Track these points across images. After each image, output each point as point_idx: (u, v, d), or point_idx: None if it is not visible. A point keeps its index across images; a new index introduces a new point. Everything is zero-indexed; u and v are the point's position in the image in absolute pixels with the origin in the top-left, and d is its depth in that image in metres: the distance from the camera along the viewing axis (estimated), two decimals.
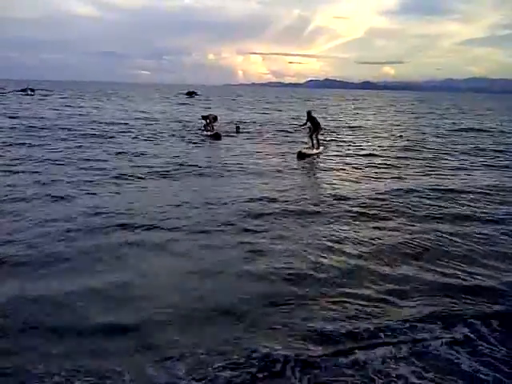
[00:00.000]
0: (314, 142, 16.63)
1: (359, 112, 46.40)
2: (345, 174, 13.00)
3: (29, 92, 59.37)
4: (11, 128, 20.63)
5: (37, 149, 15.33)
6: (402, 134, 24.69)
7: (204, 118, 21.85)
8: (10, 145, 15.92)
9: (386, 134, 24.29)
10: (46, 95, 57.19)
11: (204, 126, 21.83)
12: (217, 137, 20.19)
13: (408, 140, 21.59)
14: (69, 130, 20.94)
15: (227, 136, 20.94)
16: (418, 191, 10.46)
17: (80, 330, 4.40)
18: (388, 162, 14.98)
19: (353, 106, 59.44)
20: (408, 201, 9.60)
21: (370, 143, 20.52)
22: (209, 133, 20.90)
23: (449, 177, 12.68)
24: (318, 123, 16.65)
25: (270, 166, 13.83)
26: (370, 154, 16.82)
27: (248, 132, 23.12)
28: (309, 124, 16.78)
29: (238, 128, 23.16)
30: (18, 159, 13.31)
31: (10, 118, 25.77)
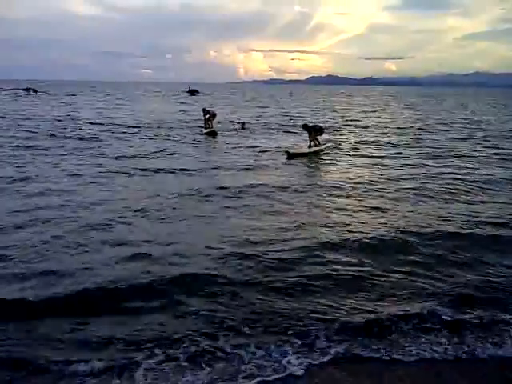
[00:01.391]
0: (312, 143, 15.87)
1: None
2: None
3: (31, 92, 59.20)
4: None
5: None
6: None
7: (205, 111, 21.60)
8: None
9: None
10: (58, 96, 56.96)
11: (204, 121, 21.57)
12: (213, 134, 20.42)
13: None
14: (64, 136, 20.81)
15: (229, 134, 20.91)
16: None
17: None
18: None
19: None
20: None
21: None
22: (206, 130, 20.88)
23: None
24: (319, 129, 16.02)
25: (252, 163, 13.69)
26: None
27: (250, 130, 22.73)
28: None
29: (243, 125, 22.97)
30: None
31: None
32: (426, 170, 12.88)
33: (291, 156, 14.71)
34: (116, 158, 14.03)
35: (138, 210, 8.31)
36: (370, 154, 15.95)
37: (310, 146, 15.73)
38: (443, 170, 12.94)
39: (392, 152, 16.42)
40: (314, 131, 15.79)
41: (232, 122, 25.33)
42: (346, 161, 14.73)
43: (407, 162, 14.38)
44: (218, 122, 22.40)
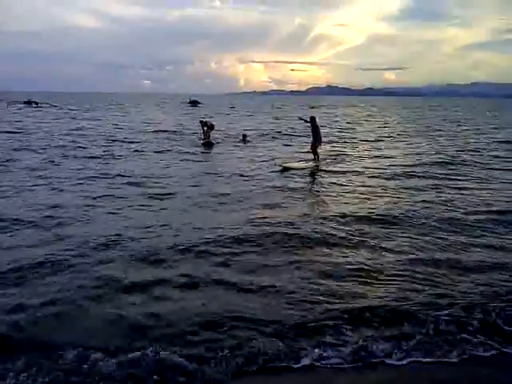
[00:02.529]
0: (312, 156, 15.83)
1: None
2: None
3: (33, 105, 59.31)
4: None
5: None
6: None
7: (202, 123, 21.75)
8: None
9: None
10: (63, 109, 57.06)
11: (201, 133, 21.79)
12: (208, 145, 20.56)
13: None
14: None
15: (230, 145, 20.96)
16: None
17: None
18: None
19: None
20: None
21: None
22: (202, 141, 21.12)
23: None
24: (318, 134, 15.75)
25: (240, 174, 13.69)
26: None
27: (250, 142, 22.66)
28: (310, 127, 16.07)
29: (244, 137, 22.88)
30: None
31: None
32: None
33: (285, 169, 14.47)
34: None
35: None
36: None
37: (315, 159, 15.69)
38: None
39: None
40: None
41: (232, 134, 25.46)
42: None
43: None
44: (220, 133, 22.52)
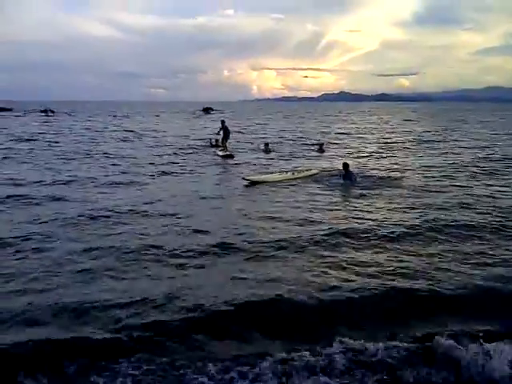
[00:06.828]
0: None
1: None
2: None
3: (49, 113, 59.80)
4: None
5: None
6: None
7: (223, 124, 21.18)
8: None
9: None
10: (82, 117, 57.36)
11: (221, 139, 21.25)
12: (229, 158, 18.76)
13: None
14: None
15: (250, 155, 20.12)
16: None
17: None
18: None
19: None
20: None
21: None
22: (221, 153, 19.67)
23: None
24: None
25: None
26: None
27: (275, 151, 21.53)
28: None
29: (266, 146, 21.88)
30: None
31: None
32: None
33: (253, 183, 12.98)
34: None
35: None
36: None
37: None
38: None
39: None
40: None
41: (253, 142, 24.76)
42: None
43: None
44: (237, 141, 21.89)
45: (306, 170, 14.84)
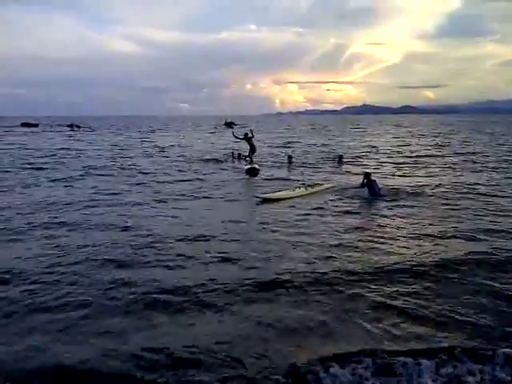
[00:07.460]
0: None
1: None
2: None
3: (74, 128, 61.06)
4: None
5: None
6: None
7: (251, 134, 20.54)
8: None
9: None
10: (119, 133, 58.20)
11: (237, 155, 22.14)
12: (253, 173, 17.46)
13: None
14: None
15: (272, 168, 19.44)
16: None
17: None
18: None
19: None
20: None
21: None
22: (247, 166, 18.52)
23: None
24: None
25: None
26: None
27: (298, 163, 21.03)
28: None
29: (290, 159, 21.37)
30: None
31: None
32: None
33: (266, 200, 12.33)
34: None
35: None
36: None
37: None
38: None
39: None
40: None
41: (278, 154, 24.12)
42: None
43: None
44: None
45: (320, 185, 14.27)
